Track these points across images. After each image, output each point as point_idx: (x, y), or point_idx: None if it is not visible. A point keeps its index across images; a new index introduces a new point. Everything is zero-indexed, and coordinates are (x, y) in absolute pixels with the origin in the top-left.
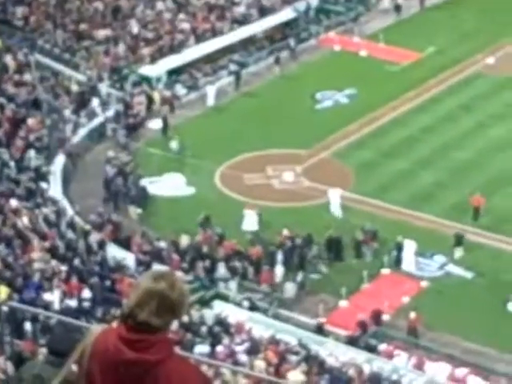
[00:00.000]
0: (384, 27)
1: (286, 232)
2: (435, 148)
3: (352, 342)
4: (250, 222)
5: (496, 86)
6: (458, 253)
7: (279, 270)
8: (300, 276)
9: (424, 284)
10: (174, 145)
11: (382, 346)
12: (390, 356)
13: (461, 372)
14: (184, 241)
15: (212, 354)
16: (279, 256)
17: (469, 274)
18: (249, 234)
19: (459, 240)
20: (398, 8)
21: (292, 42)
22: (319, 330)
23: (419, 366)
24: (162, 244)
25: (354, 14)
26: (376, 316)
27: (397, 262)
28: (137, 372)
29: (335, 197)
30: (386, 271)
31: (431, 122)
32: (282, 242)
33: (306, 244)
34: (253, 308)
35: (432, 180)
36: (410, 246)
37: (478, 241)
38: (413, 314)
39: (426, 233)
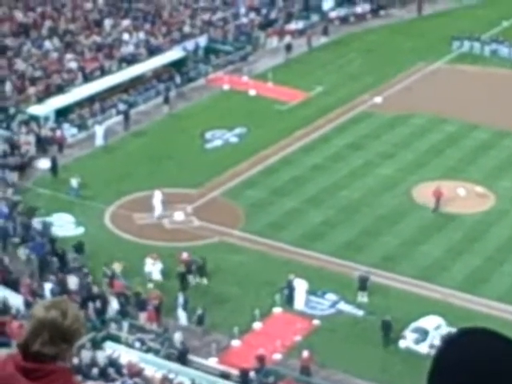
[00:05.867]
0: (272, 67)
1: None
2: (324, 187)
3: (245, 381)
4: (154, 271)
5: (383, 125)
6: (362, 297)
7: (181, 314)
8: (200, 310)
9: (316, 322)
10: (74, 183)
11: None
12: None
13: None
14: (72, 281)
15: None
16: (180, 299)
17: (360, 312)
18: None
19: (363, 283)
20: (288, 47)
21: (181, 81)
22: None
23: None
24: (50, 285)
25: (242, 53)
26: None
27: (289, 301)
28: None
29: (158, 197)
30: (278, 310)
31: (320, 161)
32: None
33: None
34: (145, 349)
35: (321, 219)
36: (301, 285)
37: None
38: (305, 353)
39: (317, 271)
